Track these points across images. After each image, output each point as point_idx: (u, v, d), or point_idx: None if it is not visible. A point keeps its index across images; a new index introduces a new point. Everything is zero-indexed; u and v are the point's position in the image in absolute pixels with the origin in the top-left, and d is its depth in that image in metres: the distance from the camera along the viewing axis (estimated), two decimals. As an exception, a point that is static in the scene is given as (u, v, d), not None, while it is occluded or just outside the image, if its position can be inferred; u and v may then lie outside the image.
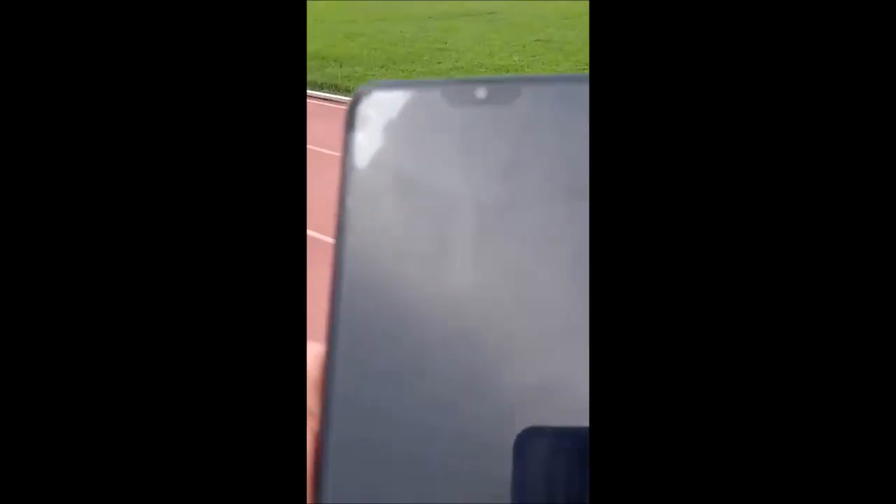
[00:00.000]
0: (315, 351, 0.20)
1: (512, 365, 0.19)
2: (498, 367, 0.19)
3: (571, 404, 0.18)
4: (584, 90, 0.20)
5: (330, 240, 0.21)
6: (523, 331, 0.19)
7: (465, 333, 0.20)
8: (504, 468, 0.19)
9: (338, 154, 0.21)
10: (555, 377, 0.19)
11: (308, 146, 2.65)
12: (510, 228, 0.20)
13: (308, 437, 0.19)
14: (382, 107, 0.22)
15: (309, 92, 3.79)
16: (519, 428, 0.19)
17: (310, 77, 3.97)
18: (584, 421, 0.18)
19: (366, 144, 0.21)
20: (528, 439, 0.19)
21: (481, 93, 0.21)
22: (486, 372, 0.19)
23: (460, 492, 0.19)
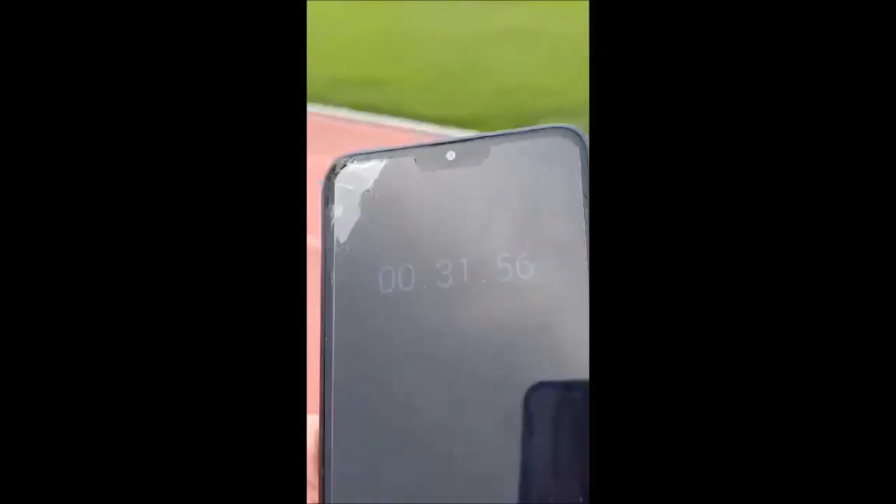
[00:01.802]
0: (313, 425, 0.20)
1: (502, 441, 0.19)
2: (491, 437, 0.19)
3: None
4: (552, 143, 0.20)
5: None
6: (517, 400, 0.19)
7: (459, 400, 0.19)
8: None
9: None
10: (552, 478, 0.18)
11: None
12: (494, 287, 0.20)
13: None
14: (358, 178, 0.22)
15: (348, 115, 3.86)
16: None
17: (350, 99, 4.03)
18: None
19: (345, 218, 0.22)
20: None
21: (451, 155, 0.22)
22: (479, 443, 0.19)
23: None
